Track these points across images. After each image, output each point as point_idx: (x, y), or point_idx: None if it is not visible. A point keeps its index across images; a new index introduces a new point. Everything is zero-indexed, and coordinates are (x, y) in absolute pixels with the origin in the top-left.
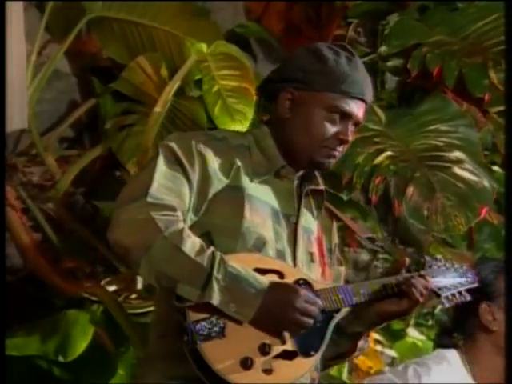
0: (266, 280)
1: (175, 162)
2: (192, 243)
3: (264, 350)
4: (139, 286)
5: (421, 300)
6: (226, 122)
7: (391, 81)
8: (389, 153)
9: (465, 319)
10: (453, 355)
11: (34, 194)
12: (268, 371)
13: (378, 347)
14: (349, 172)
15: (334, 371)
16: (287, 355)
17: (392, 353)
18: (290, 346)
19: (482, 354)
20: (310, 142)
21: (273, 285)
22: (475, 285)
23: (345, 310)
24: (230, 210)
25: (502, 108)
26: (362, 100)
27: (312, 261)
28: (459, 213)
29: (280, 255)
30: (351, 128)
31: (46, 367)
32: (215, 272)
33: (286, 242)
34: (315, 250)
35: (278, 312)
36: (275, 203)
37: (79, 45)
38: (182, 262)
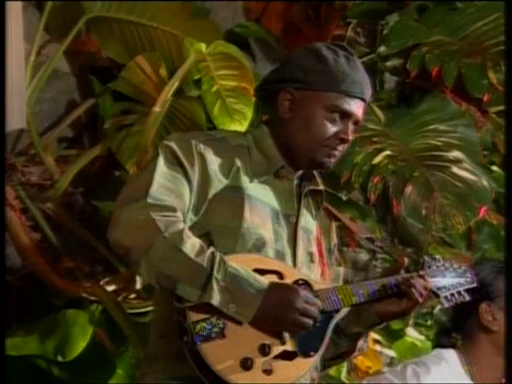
0: (265, 280)
1: (175, 163)
2: (192, 244)
3: (264, 350)
4: (138, 285)
5: (420, 300)
6: (225, 122)
7: (390, 81)
8: (387, 152)
9: (464, 319)
10: (451, 355)
11: (33, 194)
12: (268, 371)
13: (377, 347)
14: (347, 171)
15: (332, 371)
16: (287, 355)
17: (391, 353)
18: (289, 346)
19: (482, 354)
20: (310, 141)
21: (272, 285)
22: (474, 285)
23: (344, 311)
24: (229, 210)
25: (501, 108)
26: (362, 99)
27: (312, 261)
28: (458, 212)
29: (279, 255)
30: (351, 127)
31: (44, 367)
32: (215, 272)
33: (285, 243)
34: (315, 250)
35: (277, 312)
36: (275, 203)
37: (78, 44)
38: (182, 262)
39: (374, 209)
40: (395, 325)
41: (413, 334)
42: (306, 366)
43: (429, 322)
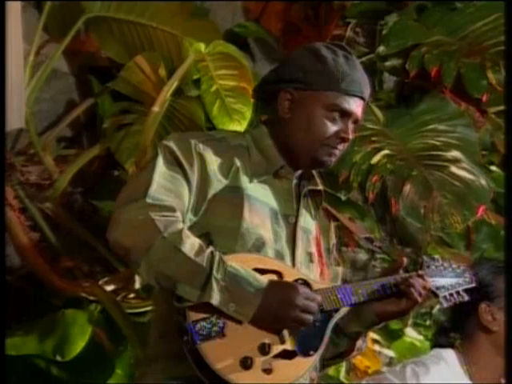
0: (265, 279)
1: (174, 163)
2: (191, 243)
3: (264, 349)
4: (137, 285)
5: (419, 300)
6: (224, 122)
7: (389, 81)
8: (386, 151)
9: (464, 319)
10: (450, 355)
11: (32, 194)
12: (268, 371)
13: (376, 347)
14: (346, 170)
15: (331, 371)
16: (287, 355)
17: (390, 353)
18: (289, 345)
19: (481, 353)
20: (311, 140)
21: (272, 283)
22: (473, 285)
23: (343, 310)
24: (229, 210)
25: (500, 108)
26: (361, 98)
27: (311, 261)
28: (456, 211)
29: (279, 255)
30: (351, 126)
31: (43, 367)
32: (215, 272)
33: (284, 243)
34: (314, 250)
35: (278, 310)
36: (274, 204)
37: (77, 44)
38: (182, 262)
39: (373, 208)
40: (394, 325)
41: (412, 334)
42: (306, 365)
43: (428, 322)
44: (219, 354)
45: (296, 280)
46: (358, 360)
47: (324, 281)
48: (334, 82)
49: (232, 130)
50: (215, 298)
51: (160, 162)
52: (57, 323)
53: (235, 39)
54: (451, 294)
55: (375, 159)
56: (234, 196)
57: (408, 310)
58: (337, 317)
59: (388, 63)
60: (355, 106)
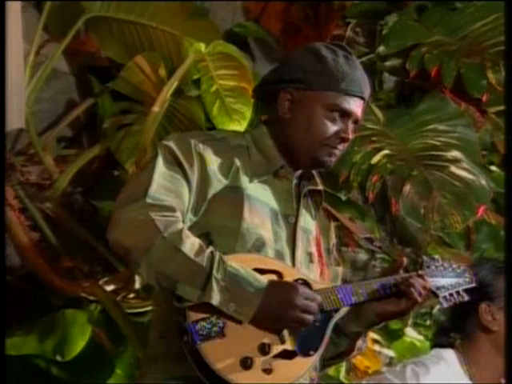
0: (265, 279)
1: (174, 163)
2: (191, 243)
3: (264, 349)
4: (137, 285)
5: (419, 300)
6: (224, 122)
7: (389, 81)
8: (386, 151)
9: (464, 319)
10: (450, 355)
11: (32, 194)
12: (268, 371)
13: (376, 347)
14: (346, 170)
15: (331, 371)
16: (287, 355)
17: (390, 352)
18: (289, 345)
19: (481, 353)
20: (311, 141)
21: (272, 283)
22: (473, 285)
23: (344, 310)
24: (229, 210)
25: (500, 108)
26: (361, 98)
27: (311, 261)
28: (456, 211)
29: (279, 256)
30: (351, 126)
31: (43, 367)
32: (215, 272)
33: (284, 243)
34: (314, 250)
35: (278, 310)
36: (274, 204)
37: (77, 44)
38: (182, 262)
39: (373, 208)
40: (394, 325)
41: (412, 334)
42: (306, 365)
43: (428, 322)
44: (219, 354)
45: (296, 280)
46: (358, 360)
47: (324, 281)
48: (334, 82)
49: (232, 129)
50: (215, 298)
51: (160, 162)
52: (57, 323)
53: (235, 39)
54: (451, 294)
55: (375, 159)
56: (234, 196)
57: (408, 309)
58: (337, 317)
59: (388, 63)
60: (355, 105)
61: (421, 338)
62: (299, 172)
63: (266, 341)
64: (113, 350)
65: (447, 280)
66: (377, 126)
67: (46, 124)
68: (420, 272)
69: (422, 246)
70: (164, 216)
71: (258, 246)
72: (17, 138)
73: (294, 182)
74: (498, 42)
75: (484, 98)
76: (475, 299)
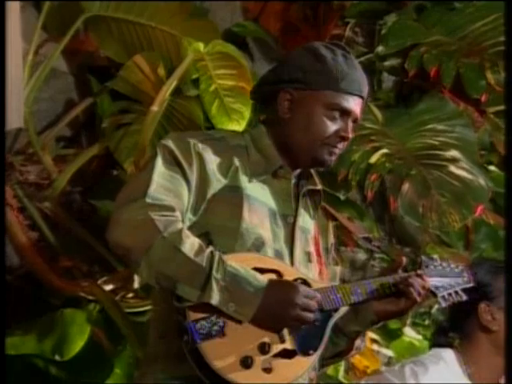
0: (264, 279)
1: (173, 163)
2: (191, 243)
3: (264, 348)
4: (136, 284)
5: (418, 299)
6: (223, 122)
7: (388, 80)
8: (385, 151)
9: (463, 319)
10: (449, 354)
11: (31, 193)
12: (268, 370)
13: (375, 346)
14: (344, 169)
15: (330, 370)
16: (286, 354)
17: (389, 352)
18: (289, 344)
19: (480, 353)
20: (311, 140)
21: (272, 283)
22: (471, 285)
23: (343, 309)
24: (228, 210)
25: (499, 108)
26: (360, 96)
27: (309, 260)
28: (454, 210)
29: (278, 255)
30: (351, 125)
31: (42, 366)
32: (214, 272)
33: (283, 243)
34: (312, 249)
35: (278, 309)
36: (273, 203)
37: (76, 44)
38: (182, 262)
39: (372, 208)
40: (393, 324)
41: (410, 334)
42: (306, 364)
43: (427, 322)
44: (219, 354)
45: (295, 279)
46: (357, 359)
47: (323, 280)
48: (333, 82)
49: (231, 129)
50: (215, 298)
51: (159, 161)
52: (56, 323)
53: (234, 39)
54: (450, 294)
55: (374, 158)
56: (233, 196)
57: (407, 309)
58: (336, 316)
59: (387, 63)
60: (354, 104)
61: (419, 337)
62: (298, 171)
63: (266, 340)
64: (112, 349)
65: (446, 280)
66: (376, 125)
67: (44, 123)
68: (419, 272)
69: (421, 245)
70: (163, 216)
71: (258, 246)
72: (16, 137)
73: (293, 181)
74: (498, 43)
75: (483, 98)
76: (474, 299)
